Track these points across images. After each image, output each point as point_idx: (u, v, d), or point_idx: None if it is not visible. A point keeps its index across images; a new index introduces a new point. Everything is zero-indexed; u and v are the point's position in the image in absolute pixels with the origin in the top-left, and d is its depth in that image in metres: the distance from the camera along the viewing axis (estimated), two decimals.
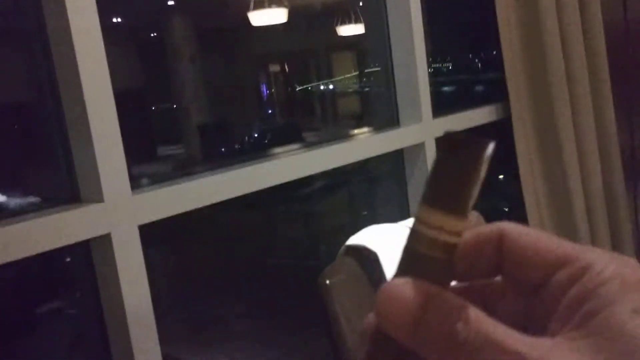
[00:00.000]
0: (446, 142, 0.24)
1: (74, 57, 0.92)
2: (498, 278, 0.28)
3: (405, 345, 0.24)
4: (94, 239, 0.94)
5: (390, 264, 0.90)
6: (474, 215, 0.25)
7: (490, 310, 0.27)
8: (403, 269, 0.25)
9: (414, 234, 0.25)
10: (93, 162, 0.93)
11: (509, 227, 0.27)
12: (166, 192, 1.04)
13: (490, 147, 0.24)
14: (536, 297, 0.26)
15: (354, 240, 0.96)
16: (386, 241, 0.94)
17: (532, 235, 0.27)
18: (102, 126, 0.94)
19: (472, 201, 0.25)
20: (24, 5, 1.07)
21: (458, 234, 0.25)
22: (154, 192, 1.02)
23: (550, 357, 0.22)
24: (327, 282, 0.87)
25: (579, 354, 0.22)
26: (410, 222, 1.15)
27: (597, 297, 0.23)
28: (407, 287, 0.24)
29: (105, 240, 0.95)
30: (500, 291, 0.28)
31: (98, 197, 0.94)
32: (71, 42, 0.92)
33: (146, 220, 0.99)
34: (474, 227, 0.27)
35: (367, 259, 0.90)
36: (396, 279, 0.25)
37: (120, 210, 0.95)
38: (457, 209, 0.25)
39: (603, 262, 0.24)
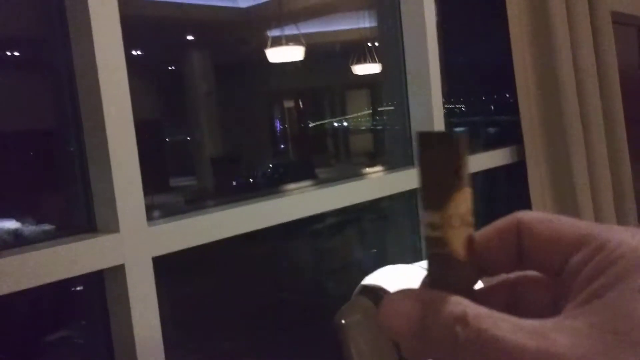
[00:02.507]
0: (425, 143, 0.26)
1: (98, 88, 0.94)
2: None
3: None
4: (108, 269, 0.94)
5: None
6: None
7: (520, 300, 0.28)
8: (429, 276, 0.26)
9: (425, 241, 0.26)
10: (111, 192, 0.94)
11: (525, 215, 0.27)
12: (181, 225, 1.04)
13: (465, 137, 0.25)
14: (559, 281, 0.26)
15: (370, 280, 0.95)
16: (402, 282, 0.93)
17: (549, 220, 0.27)
18: (121, 157, 0.95)
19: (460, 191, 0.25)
20: (52, 36, 1.09)
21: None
22: (169, 224, 1.02)
23: (548, 344, 0.21)
24: (343, 321, 0.86)
25: (579, 335, 0.21)
26: (424, 262, 1.14)
27: (606, 276, 0.23)
28: (403, 299, 0.24)
29: (118, 271, 0.94)
30: (531, 280, 0.28)
31: (114, 228, 0.94)
32: (96, 73, 0.94)
33: (160, 252, 0.99)
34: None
35: (382, 299, 0.88)
36: (394, 292, 0.25)
37: (135, 241, 0.95)
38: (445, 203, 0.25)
39: (618, 239, 0.24)
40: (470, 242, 0.26)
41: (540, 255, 0.27)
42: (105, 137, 0.94)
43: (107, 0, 0.95)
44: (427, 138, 0.25)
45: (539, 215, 0.27)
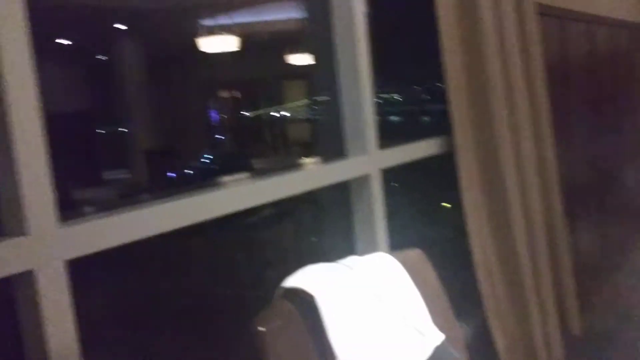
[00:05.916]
0: None
1: (2, 81, 0.87)
2: None
3: None
4: (15, 275, 0.88)
5: (328, 307, 0.86)
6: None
7: None
8: None
9: None
10: (17, 192, 0.88)
11: None
12: (99, 224, 0.99)
13: None
14: None
15: (291, 281, 0.92)
16: (324, 283, 0.90)
17: None
18: (28, 154, 0.89)
19: None
20: None
21: None
22: (85, 224, 0.97)
23: None
24: (262, 328, 0.82)
25: None
26: (349, 260, 1.11)
27: None
28: None
29: (28, 277, 0.89)
30: None
31: (21, 230, 0.89)
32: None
33: (75, 255, 0.94)
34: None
35: (305, 302, 0.85)
36: None
37: (44, 244, 0.90)
38: None
39: None
40: None
41: None
42: (11, 132, 0.88)
43: None
44: None
45: None
